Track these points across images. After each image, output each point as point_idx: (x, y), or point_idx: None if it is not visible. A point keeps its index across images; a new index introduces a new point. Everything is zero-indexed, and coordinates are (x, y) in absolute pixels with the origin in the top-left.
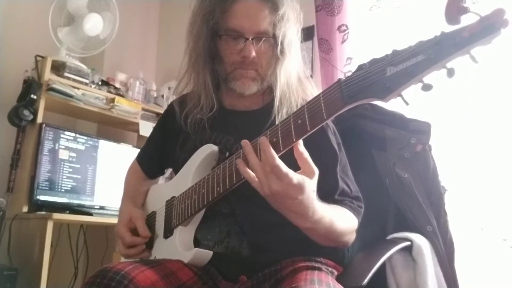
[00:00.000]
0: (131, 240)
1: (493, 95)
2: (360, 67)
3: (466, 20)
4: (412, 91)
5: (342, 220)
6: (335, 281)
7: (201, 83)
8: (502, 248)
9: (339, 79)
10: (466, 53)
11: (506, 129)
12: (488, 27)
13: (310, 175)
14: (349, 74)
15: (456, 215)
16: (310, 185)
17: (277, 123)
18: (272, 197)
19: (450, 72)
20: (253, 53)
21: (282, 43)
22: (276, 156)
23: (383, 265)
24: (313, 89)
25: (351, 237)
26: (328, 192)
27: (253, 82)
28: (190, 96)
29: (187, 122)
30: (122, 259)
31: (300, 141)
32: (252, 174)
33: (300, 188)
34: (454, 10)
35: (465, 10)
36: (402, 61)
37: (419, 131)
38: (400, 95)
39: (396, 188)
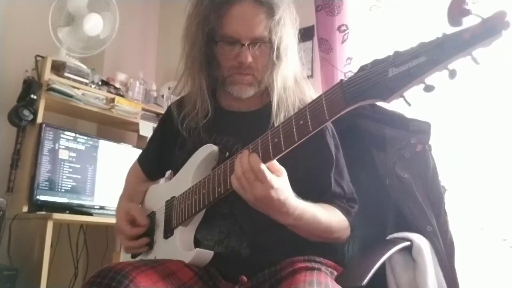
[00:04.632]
0: (131, 233)
1: (493, 95)
2: (362, 68)
3: (468, 22)
4: (413, 92)
5: (327, 216)
6: (334, 282)
7: (197, 88)
8: (502, 248)
9: (341, 80)
10: (467, 55)
11: (506, 129)
12: (489, 29)
13: (279, 174)
14: (349, 74)
15: (456, 215)
16: (284, 184)
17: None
18: (257, 202)
19: (452, 74)
20: (249, 59)
21: (278, 48)
22: (260, 161)
23: (383, 265)
24: (311, 90)
25: (343, 234)
26: (320, 193)
27: (249, 87)
28: (188, 98)
29: (183, 126)
30: (122, 259)
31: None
32: (236, 182)
33: (279, 189)
34: (456, 12)
35: (467, 12)
36: (404, 62)
37: (419, 131)
38: (402, 96)
39: (396, 188)
